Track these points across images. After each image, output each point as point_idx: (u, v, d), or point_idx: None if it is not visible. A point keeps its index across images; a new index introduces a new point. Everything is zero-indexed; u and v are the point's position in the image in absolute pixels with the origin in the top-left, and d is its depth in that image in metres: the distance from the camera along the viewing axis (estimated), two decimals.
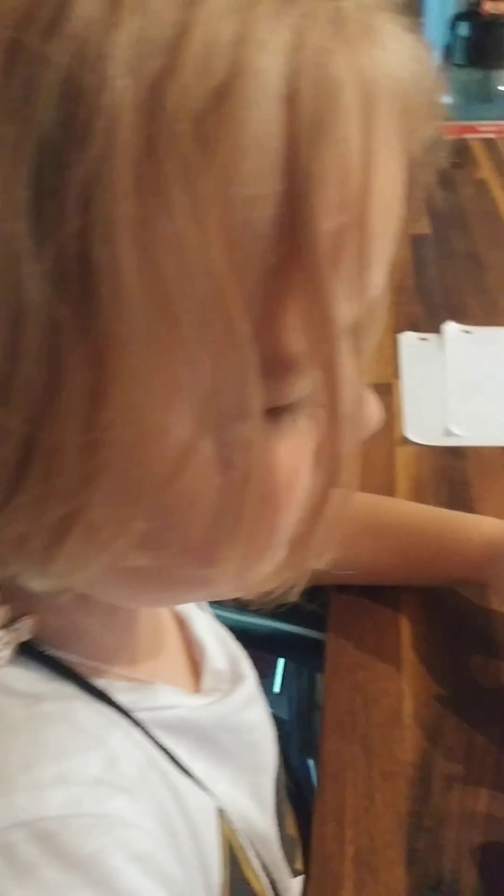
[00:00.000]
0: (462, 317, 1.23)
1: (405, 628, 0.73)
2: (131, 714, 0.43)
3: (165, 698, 0.46)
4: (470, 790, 0.60)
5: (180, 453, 0.31)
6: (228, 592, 0.40)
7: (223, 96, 0.26)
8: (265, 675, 0.92)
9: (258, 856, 0.51)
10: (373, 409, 0.39)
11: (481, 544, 0.72)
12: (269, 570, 0.37)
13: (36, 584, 0.35)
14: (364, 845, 0.57)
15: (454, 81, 2.34)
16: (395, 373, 1.10)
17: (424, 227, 1.55)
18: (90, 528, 0.31)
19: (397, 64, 0.30)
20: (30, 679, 0.39)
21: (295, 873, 0.57)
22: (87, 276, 0.27)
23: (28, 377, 0.28)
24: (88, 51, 0.25)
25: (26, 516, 0.30)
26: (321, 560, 0.39)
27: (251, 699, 0.54)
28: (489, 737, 0.63)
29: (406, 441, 0.97)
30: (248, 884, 0.49)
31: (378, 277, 0.34)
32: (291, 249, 0.29)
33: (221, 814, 0.47)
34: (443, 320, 1.22)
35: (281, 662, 1.46)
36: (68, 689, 0.40)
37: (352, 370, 0.33)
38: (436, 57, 0.32)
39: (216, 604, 0.64)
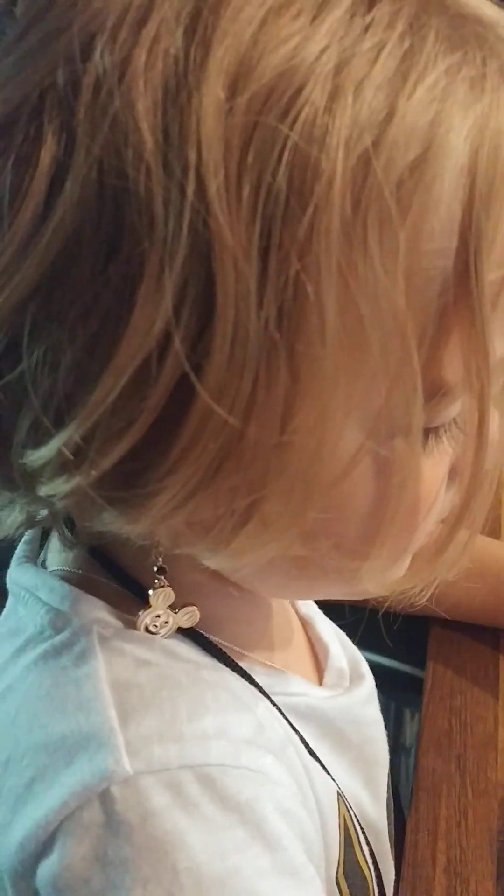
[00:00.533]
0: None
1: (503, 661, 0.76)
2: (269, 695, 0.48)
3: (297, 686, 0.52)
4: None
5: (349, 460, 0.36)
6: (369, 590, 0.45)
7: (418, 168, 0.32)
8: None
9: (368, 843, 0.55)
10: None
11: None
12: (402, 572, 0.43)
13: (211, 562, 0.41)
14: (455, 856, 0.60)
15: None
16: None
17: None
18: (268, 517, 0.36)
19: None
20: (189, 650, 0.45)
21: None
22: (299, 310, 0.32)
23: (245, 385, 0.33)
24: (315, 130, 0.31)
25: (220, 502, 0.36)
26: (453, 570, 0.43)
27: (370, 697, 0.59)
28: None
29: None
30: (359, 867, 0.53)
31: None
32: (460, 294, 0.35)
33: (340, 797, 0.51)
34: None
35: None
36: (219, 665, 0.46)
37: (499, 400, 0.39)
38: None
39: None
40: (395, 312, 0.33)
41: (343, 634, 0.62)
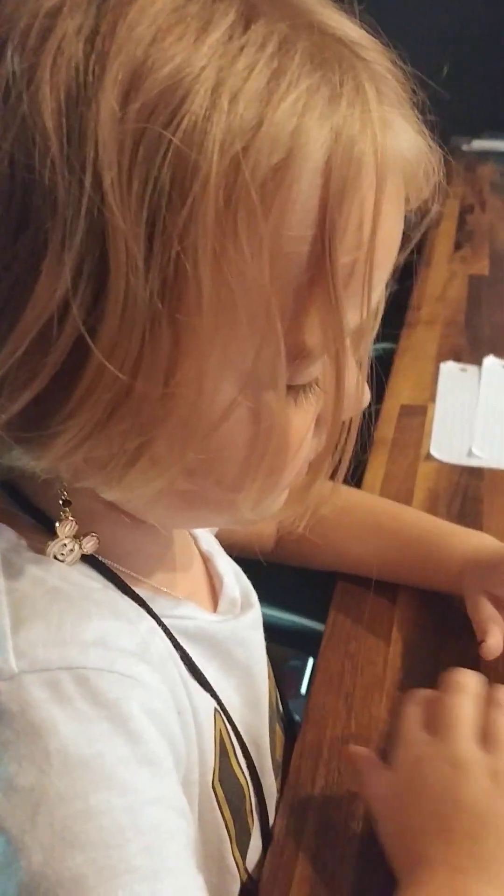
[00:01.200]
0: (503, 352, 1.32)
1: (399, 612, 0.82)
2: (160, 617, 0.54)
3: (189, 611, 0.58)
4: None
5: (224, 410, 0.43)
6: (248, 518, 0.52)
7: (280, 171, 0.39)
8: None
9: (247, 756, 0.62)
10: (365, 393, 0.51)
11: (462, 559, 0.81)
12: (277, 505, 0.52)
13: (107, 495, 0.48)
14: (333, 780, 0.66)
15: None
16: (432, 397, 1.20)
17: (484, 268, 1.65)
18: (154, 456, 0.43)
19: (405, 149, 0.44)
20: (86, 574, 0.51)
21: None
22: (179, 285, 0.39)
23: (133, 346, 0.40)
24: (194, 135, 0.37)
25: (113, 443, 0.42)
26: (322, 506, 0.53)
27: (256, 622, 0.66)
28: None
29: (430, 458, 1.06)
30: (235, 776, 0.60)
31: (377, 295, 0.47)
32: (317, 274, 0.41)
33: (217, 713, 0.58)
34: (485, 354, 1.31)
35: (310, 663, 1.55)
36: (110, 587, 0.52)
37: (352, 362, 0.48)
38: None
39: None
40: (260, 288, 0.40)
41: (238, 569, 0.69)
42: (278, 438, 0.46)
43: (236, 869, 0.60)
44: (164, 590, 0.57)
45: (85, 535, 0.51)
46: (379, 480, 1.02)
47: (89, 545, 0.51)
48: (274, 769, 0.68)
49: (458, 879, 0.53)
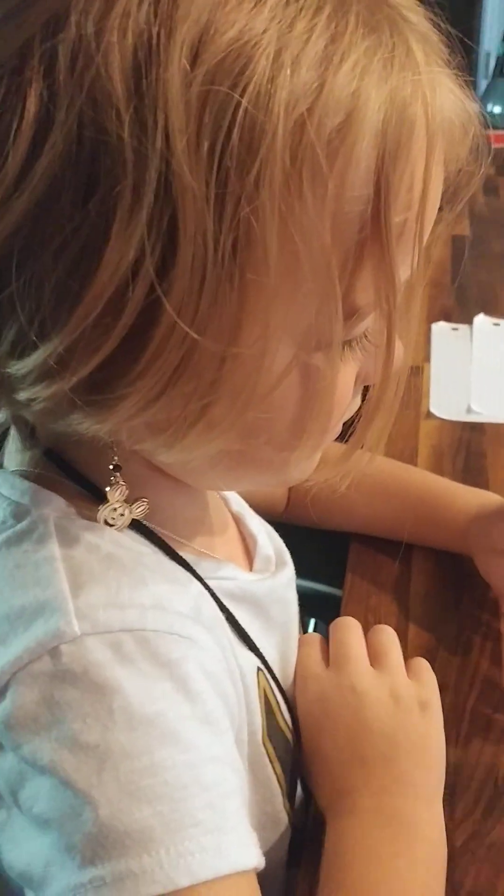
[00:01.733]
0: (493, 311, 1.34)
1: (416, 566, 0.84)
2: (205, 580, 0.56)
3: (230, 571, 0.60)
4: (461, 691, 0.71)
5: (283, 369, 0.44)
6: (294, 478, 0.54)
7: (342, 131, 0.40)
8: None
9: (291, 711, 0.64)
10: (402, 352, 0.51)
11: (467, 518, 0.82)
12: (314, 465, 0.53)
13: (163, 457, 0.49)
14: None
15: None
16: (427, 357, 1.21)
17: (465, 229, 1.66)
18: (215, 417, 0.44)
19: (450, 111, 0.45)
20: (134, 539, 0.52)
21: None
22: (247, 244, 0.40)
23: (203, 304, 0.40)
24: (260, 97, 0.38)
25: (176, 404, 0.43)
26: (364, 464, 0.52)
27: (291, 581, 0.68)
28: (473, 655, 0.74)
29: (430, 416, 1.08)
30: (282, 731, 0.62)
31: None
32: (373, 232, 0.42)
33: (260, 671, 0.59)
34: (474, 313, 1.32)
35: (311, 624, 1.57)
36: (159, 552, 0.54)
37: (402, 320, 0.47)
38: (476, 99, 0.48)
39: None
40: (322, 247, 0.41)
41: (270, 528, 0.71)
42: (329, 397, 0.47)
43: (288, 821, 0.62)
44: (206, 552, 0.59)
45: (135, 501, 0.52)
46: (383, 441, 1.03)
47: (139, 510, 0.52)
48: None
49: (385, 800, 0.58)
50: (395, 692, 0.63)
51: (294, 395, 0.46)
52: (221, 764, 0.47)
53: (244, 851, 0.46)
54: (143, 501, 0.52)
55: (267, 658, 0.61)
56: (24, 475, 0.52)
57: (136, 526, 0.53)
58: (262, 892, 0.48)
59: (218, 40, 0.38)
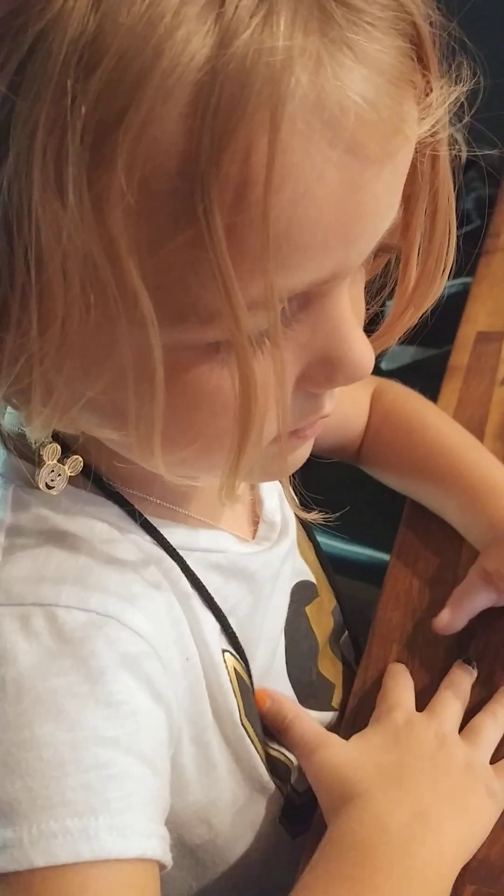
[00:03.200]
0: None
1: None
2: (179, 553, 0.54)
3: (220, 542, 0.58)
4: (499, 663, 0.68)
5: (100, 365, 0.40)
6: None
7: (121, 116, 0.33)
8: None
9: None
10: (348, 355, 0.44)
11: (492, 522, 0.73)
12: (216, 466, 0.44)
13: (28, 431, 0.46)
14: None
15: None
16: None
17: None
18: (44, 395, 0.41)
19: (338, 95, 0.35)
20: (92, 516, 0.51)
21: (330, 710, 0.68)
22: (10, 244, 0.37)
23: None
24: (26, 78, 0.34)
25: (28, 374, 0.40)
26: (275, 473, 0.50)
27: (291, 552, 0.65)
28: None
29: None
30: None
31: (334, 255, 0.39)
32: (196, 233, 0.35)
33: (225, 653, 0.57)
34: None
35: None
36: (129, 527, 0.52)
37: (275, 335, 0.39)
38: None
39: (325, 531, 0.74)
40: (106, 247, 0.35)
41: (283, 493, 0.67)
42: (184, 400, 0.41)
43: (279, 792, 0.62)
44: (201, 518, 0.57)
45: (70, 458, 0.50)
46: (452, 407, 1.00)
47: (74, 465, 0.50)
48: (321, 689, 0.69)
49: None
50: (468, 761, 0.59)
51: (125, 394, 0.40)
52: (114, 747, 0.45)
53: (122, 840, 0.43)
54: (76, 457, 0.50)
55: (247, 635, 0.59)
56: (4, 441, 0.52)
57: (113, 496, 0.52)
58: (262, 856, 0.47)
59: None
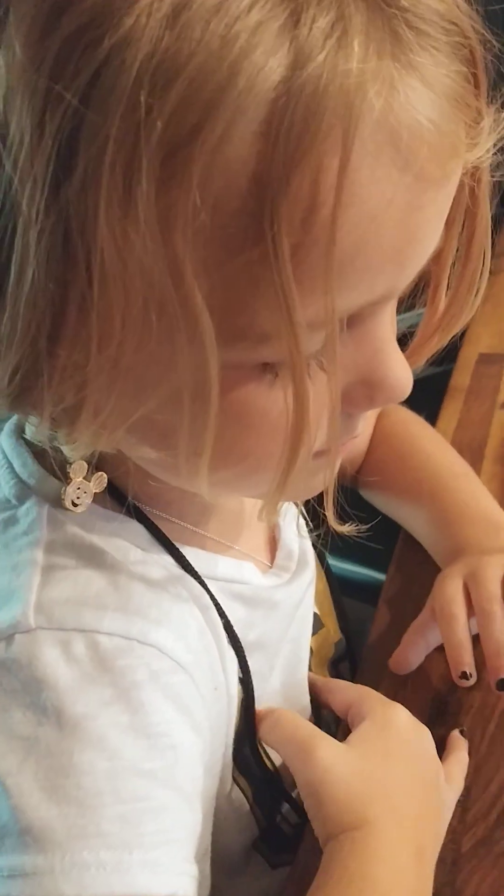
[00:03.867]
0: None
1: None
2: (205, 581, 0.53)
3: (242, 573, 0.57)
4: (492, 689, 0.67)
5: (155, 383, 0.40)
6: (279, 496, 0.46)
7: (196, 133, 0.33)
8: None
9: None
10: (389, 377, 0.44)
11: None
12: (260, 484, 0.44)
13: (66, 450, 0.46)
14: None
15: None
16: None
17: None
18: (89, 417, 0.40)
19: (406, 118, 0.35)
20: (126, 540, 0.51)
21: None
22: (75, 258, 0.36)
23: (42, 315, 0.38)
24: (96, 89, 0.33)
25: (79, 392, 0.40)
26: (310, 491, 0.49)
27: (310, 585, 0.65)
28: None
29: None
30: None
31: (384, 278, 0.40)
32: (261, 253, 0.35)
33: (241, 682, 0.57)
34: None
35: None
36: (156, 549, 0.52)
37: (332, 354, 0.39)
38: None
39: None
40: (171, 266, 0.35)
41: (302, 522, 0.67)
42: (235, 420, 0.41)
43: (256, 824, 0.61)
44: (215, 538, 0.57)
45: (95, 475, 0.50)
46: (451, 428, 0.99)
47: (97, 483, 0.50)
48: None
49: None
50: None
51: (179, 414, 0.40)
52: (152, 780, 0.44)
53: (154, 878, 0.42)
54: (100, 474, 0.50)
55: (260, 667, 0.58)
56: (38, 452, 0.51)
57: (141, 518, 0.52)
58: (230, 881, 0.46)
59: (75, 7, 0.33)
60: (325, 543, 0.67)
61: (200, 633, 0.52)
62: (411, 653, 0.68)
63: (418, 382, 1.45)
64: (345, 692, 0.61)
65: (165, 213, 0.34)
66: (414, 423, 0.87)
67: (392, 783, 0.53)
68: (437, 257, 0.47)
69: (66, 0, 0.33)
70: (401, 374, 0.45)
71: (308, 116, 0.33)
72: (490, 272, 1.46)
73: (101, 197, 0.34)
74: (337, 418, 0.42)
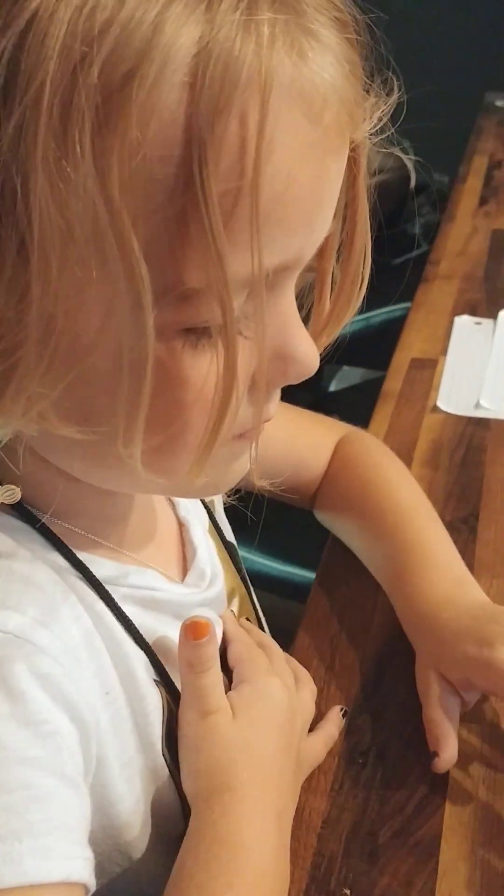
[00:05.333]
0: None
1: None
2: (104, 585, 0.54)
3: (148, 580, 0.58)
4: (413, 687, 0.69)
5: (89, 340, 0.41)
6: (185, 487, 0.51)
7: (129, 79, 0.36)
8: None
9: None
10: (299, 350, 0.46)
11: (426, 607, 0.70)
12: (184, 466, 0.45)
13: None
14: (313, 716, 0.67)
15: None
16: (444, 351, 1.19)
17: None
18: (22, 384, 0.41)
19: (316, 76, 0.39)
20: (25, 539, 0.52)
21: None
22: (13, 204, 0.37)
23: None
24: (31, 37, 0.35)
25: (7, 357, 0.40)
26: (227, 481, 0.51)
27: (219, 598, 0.65)
28: None
29: (436, 410, 1.06)
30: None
31: (297, 240, 0.43)
32: (189, 202, 0.37)
33: (157, 683, 0.58)
34: (502, 308, 1.29)
35: None
36: (56, 559, 0.52)
37: (260, 310, 0.41)
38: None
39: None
40: (111, 213, 0.37)
41: (213, 546, 0.68)
42: (162, 385, 0.42)
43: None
44: (127, 552, 0.58)
45: (3, 487, 0.51)
46: (383, 432, 1.01)
47: (8, 494, 0.51)
48: None
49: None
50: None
51: (109, 372, 0.41)
52: (39, 768, 0.45)
53: (45, 863, 0.42)
54: (11, 487, 0.51)
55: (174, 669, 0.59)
56: None
57: (41, 529, 0.52)
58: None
59: None
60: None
61: (86, 636, 0.52)
62: (449, 745, 0.63)
63: (365, 385, 1.48)
64: (241, 647, 0.63)
65: (102, 156, 0.36)
66: (378, 451, 0.87)
67: (261, 752, 0.56)
68: (321, 252, 0.50)
69: None
70: (308, 348, 0.47)
71: (227, 69, 0.36)
72: (424, 279, 1.50)
73: (38, 139, 0.36)
74: (263, 383, 0.45)
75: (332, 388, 1.90)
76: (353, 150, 0.46)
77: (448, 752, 0.62)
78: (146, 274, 0.38)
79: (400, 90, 0.48)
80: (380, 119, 0.47)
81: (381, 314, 1.86)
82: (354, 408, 1.09)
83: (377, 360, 1.34)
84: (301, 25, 0.39)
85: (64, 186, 0.36)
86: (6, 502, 0.51)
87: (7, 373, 0.41)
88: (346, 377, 1.86)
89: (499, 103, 2.44)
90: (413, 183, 2.18)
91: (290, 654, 0.72)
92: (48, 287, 0.38)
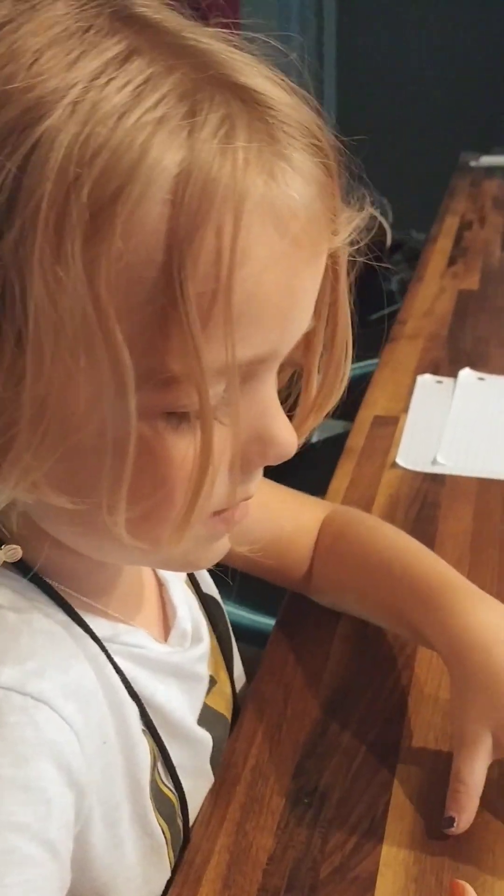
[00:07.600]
0: (482, 366, 1.37)
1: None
2: (103, 642, 0.58)
3: (139, 639, 0.62)
4: (359, 733, 0.74)
5: (79, 419, 0.45)
6: (169, 558, 0.55)
7: (116, 196, 0.41)
8: None
9: (170, 769, 0.65)
10: (278, 434, 0.51)
11: (461, 640, 0.68)
12: (166, 538, 0.49)
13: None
14: (263, 759, 0.72)
15: None
16: (405, 408, 1.25)
17: (474, 283, 1.70)
18: (15, 458, 0.45)
19: (287, 194, 0.45)
20: (27, 599, 0.55)
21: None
22: (11, 304, 0.42)
23: None
24: (33, 158, 0.41)
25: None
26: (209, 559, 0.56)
27: (203, 657, 0.69)
28: (391, 702, 0.77)
29: (395, 466, 1.11)
30: (161, 791, 0.64)
31: (271, 336, 0.48)
32: (169, 301, 0.42)
33: (145, 733, 0.61)
34: (463, 367, 1.36)
35: None
36: (58, 615, 0.56)
37: (234, 397, 0.46)
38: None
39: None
40: (98, 311, 0.42)
41: (194, 601, 0.72)
42: (145, 460, 0.46)
43: (170, 869, 0.64)
44: (115, 614, 0.61)
45: (4, 545, 0.54)
46: (344, 487, 1.07)
47: (10, 553, 0.54)
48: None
49: None
50: None
51: (95, 449, 0.45)
52: (24, 833, 0.47)
53: None
54: (13, 546, 0.54)
55: (174, 714, 0.63)
56: None
57: (40, 584, 0.55)
58: None
59: (18, 96, 0.42)
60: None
61: (93, 688, 0.56)
62: (469, 809, 0.64)
63: (338, 438, 1.49)
64: None
65: (91, 262, 0.41)
66: (368, 518, 0.89)
67: None
68: (307, 348, 0.56)
69: (7, 94, 0.42)
70: (287, 433, 0.52)
71: (204, 188, 0.42)
72: (392, 339, 1.57)
73: (36, 247, 0.41)
74: (237, 465, 0.48)
75: (315, 438, 1.95)
76: (331, 257, 0.52)
77: (465, 822, 0.63)
78: (129, 362, 0.43)
79: (373, 205, 0.55)
80: (356, 228, 0.53)
81: (356, 368, 1.92)
82: (335, 461, 1.15)
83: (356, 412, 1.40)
84: (275, 151, 0.45)
85: (57, 287, 0.41)
86: (8, 560, 0.54)
87: (4, 445, 0.45)
88: (329, 428, 1.92)
89: (472, 164, 2.54)
90: (389, 242, 2.26)
91: (248, 698, 0.77)
92: (42, 373, 0.43)
